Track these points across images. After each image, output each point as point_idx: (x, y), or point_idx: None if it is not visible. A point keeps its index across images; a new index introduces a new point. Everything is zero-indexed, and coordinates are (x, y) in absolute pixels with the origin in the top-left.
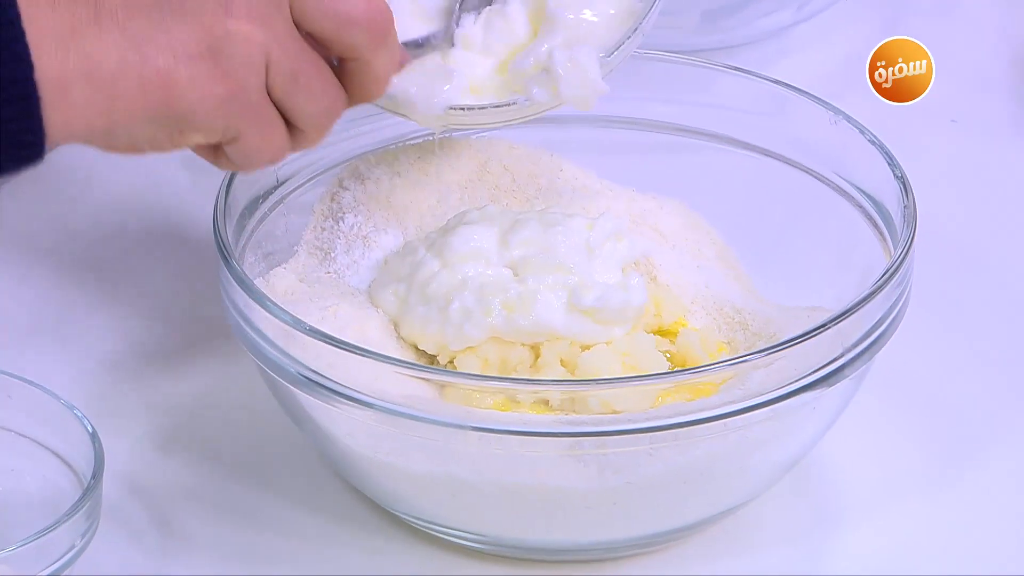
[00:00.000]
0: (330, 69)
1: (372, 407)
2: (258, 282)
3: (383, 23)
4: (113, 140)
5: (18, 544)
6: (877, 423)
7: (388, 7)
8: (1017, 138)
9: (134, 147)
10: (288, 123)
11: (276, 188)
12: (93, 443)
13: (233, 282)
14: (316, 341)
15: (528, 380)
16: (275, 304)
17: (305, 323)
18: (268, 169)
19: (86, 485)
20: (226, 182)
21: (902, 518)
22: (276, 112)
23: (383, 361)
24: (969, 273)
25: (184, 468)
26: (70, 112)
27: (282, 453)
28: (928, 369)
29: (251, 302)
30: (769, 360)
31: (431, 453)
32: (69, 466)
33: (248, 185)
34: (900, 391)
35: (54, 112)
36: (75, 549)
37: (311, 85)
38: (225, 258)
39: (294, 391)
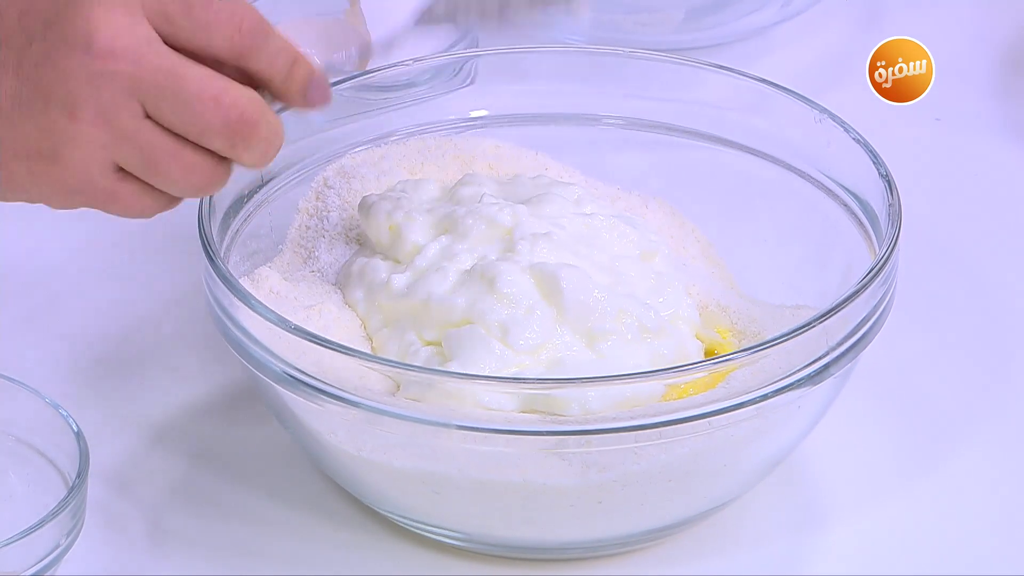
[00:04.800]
0: (193, 148)
1: (356, 405)
2: (243, 281)
3: (244, 127)
4: None
5: (3, 543)
6: (862, 422)
7: (251, 99)
8: (1005, 137)
9: None
10: None
11: (261, 187)
12: (78, 442)
13: (218, 280)
14: (300, 339)
15: (513, 379)
16: (260, 303)
17: (289, 322)
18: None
19: (71, 484)
20: None
21: (887, 516)
22: (138, 185)
23: (367, 359)
24: (954, 272)
25: (169, 467)
26: None
27: (267, 451)
28: (913, 368)
29: (236, 301)
30: (754, 358)
31: (415, 451)
32: (54, 465)
33: (233, 183)
34: (885, 390)
35: None
36: (60, 548)
37: (170, 171)
38: (210, 257)
39: (278, 389)
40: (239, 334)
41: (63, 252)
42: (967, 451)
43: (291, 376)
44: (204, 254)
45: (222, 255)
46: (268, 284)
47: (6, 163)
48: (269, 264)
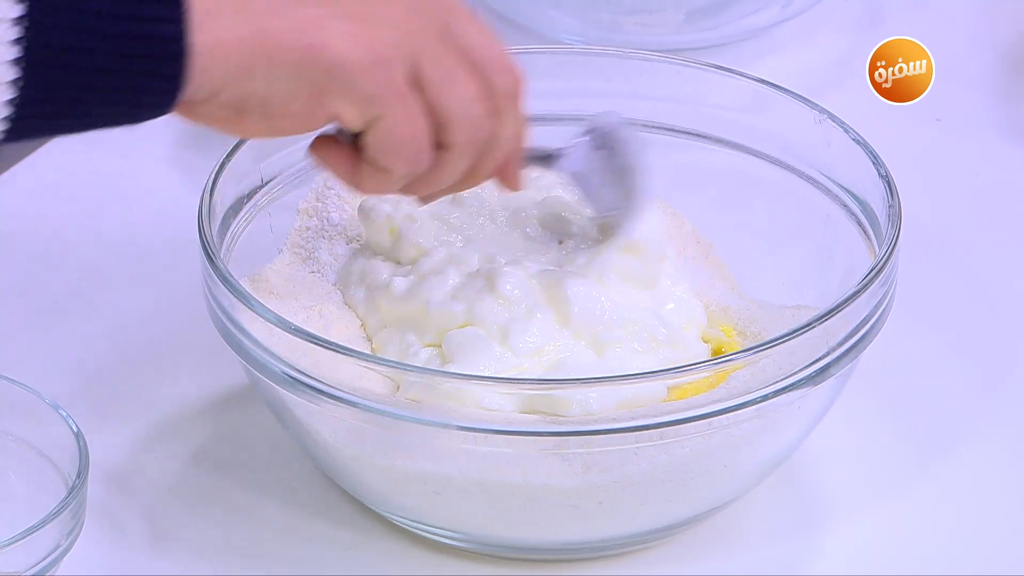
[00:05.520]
0: (478, 83)
1: (356, 406)
2: (243, 281)
3: (519, 88)
4: (250, 85)
5: (3, 543)
6: (862, 422)
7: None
8: (1005, 137)
9: (268, 103)
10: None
11: (261, 187)
12: (78, 442)
13: (218, 281)
14: (301, 340)
15: (513, 380)
16: (260, 303)
17: (290, 322)
18: (253, 168)
19: (71, 484)
20: (211, 181)
21: (887, 517)
22: (420, 106)
23: (367, 360)
24: (954, 272)
25: (169, 467)
26: (215, 35)
27: (267, 451)
28: (913, 368)
29: (236, 301)
30: (755, 359)
31: (415, 452)
32: (54, 465)
33: (233, 184)
34: (885, 390)
35: (200, 33)
36: (60, 548)
37: (464, 90)
38: (210, 257)
39: (278, 390)
40: (239, 334)
41: (63, 252)
42: (967, 451)
43: (291, 376)
44: (204, 255)
45: (222, 256)
46: (268, 285)
47: (323, 18)
48: (269, 265)
